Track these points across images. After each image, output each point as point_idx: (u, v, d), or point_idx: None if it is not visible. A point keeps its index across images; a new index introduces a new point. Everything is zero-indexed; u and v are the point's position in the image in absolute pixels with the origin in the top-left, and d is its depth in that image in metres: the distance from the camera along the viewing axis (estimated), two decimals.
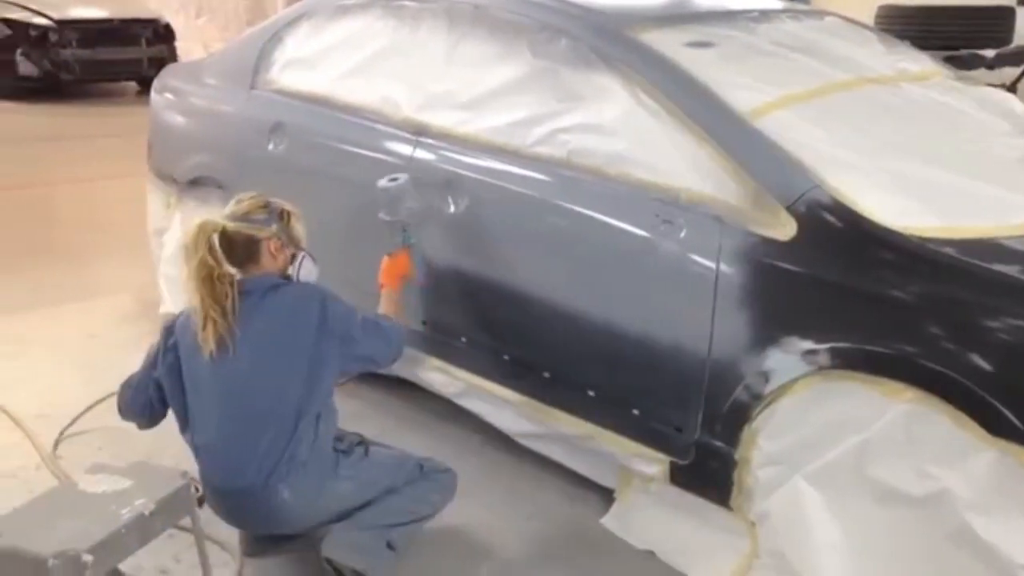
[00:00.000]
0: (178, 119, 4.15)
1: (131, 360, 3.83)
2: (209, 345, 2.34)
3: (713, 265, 2.43)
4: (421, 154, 3.13)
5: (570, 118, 2.84)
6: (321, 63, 3.61)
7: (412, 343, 3.02)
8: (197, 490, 2.75)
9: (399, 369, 3.14)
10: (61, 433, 3.23)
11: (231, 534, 2.55)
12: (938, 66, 3.42)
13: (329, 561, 2.37)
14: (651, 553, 2.67)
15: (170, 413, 2.51)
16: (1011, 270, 2.10)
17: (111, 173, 6.91)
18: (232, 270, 2.40)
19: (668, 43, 2.83)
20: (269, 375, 2.36)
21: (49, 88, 10.72)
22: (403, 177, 2.88)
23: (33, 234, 5.72)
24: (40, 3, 10.69)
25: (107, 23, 10.98)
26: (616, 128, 2.74)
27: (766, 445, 2.36)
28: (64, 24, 10.62)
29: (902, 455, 2.12)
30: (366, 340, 2.51)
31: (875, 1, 7.11)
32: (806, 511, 2.27)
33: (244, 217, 2.45)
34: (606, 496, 2.85)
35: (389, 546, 2.42)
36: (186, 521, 2.21)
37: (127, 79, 11.44)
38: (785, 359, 2.30)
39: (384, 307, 2.78)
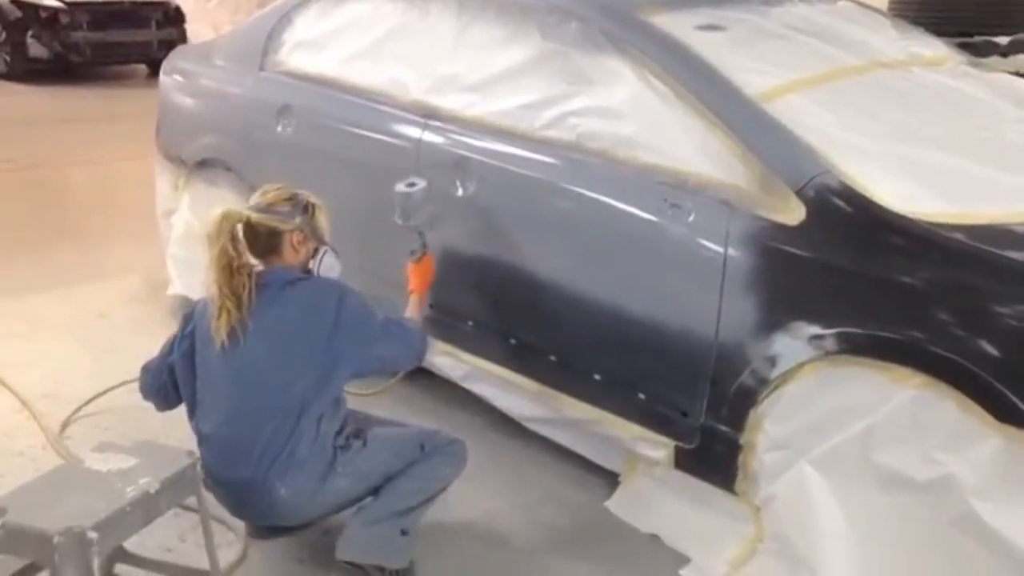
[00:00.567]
0: (187, 101, 4.16)
1: (139, 340, 3.87)
2: (221, 335, 2.33)
3: (721, 249, 2.42)
4: (429, 137, 3.12)
5: (579, 101, 2.83)
6: (330, 45, 3.60)
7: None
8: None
9: None
10: (69, 417, 3.23)
11: None
12: (951, 51, 3.39)
13: (348, 563, 2.39)
14: (656, 537, 2.67)
15: None
16: (1021, 256, 2.08)
17: (121, 155, 6.93)
18: (253, 261, 2.39)
19: (678, 26, 2.81)
20: (278, 370, 2.34)
21: (59, 70, 10.74)
22: (421, 182, 2.83)
23: (43, 215, 5.74)
24: None
25: (118, 5, 11.00)
26: (625, 111, 2.73)
27: (772, 430, 2.36)
28: (75, 6, 10.63)
29: (908, 441, 2.11)
30: (385, 341, 2.48)
31: None
32: (811, 496, 2.26)
33: (268, 208, 2.42)
34: (612, 480, 2.85)
35: (403, 532, 2.41)
36: (192, 501, 2.21)
37: (137, 62, 11.45)
38: (792, 344, 2.29)
39: (411, 311, 2.75)
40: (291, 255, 2.45)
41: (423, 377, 3.32)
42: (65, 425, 3.20)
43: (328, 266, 2.50)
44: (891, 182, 2.31)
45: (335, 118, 3.44)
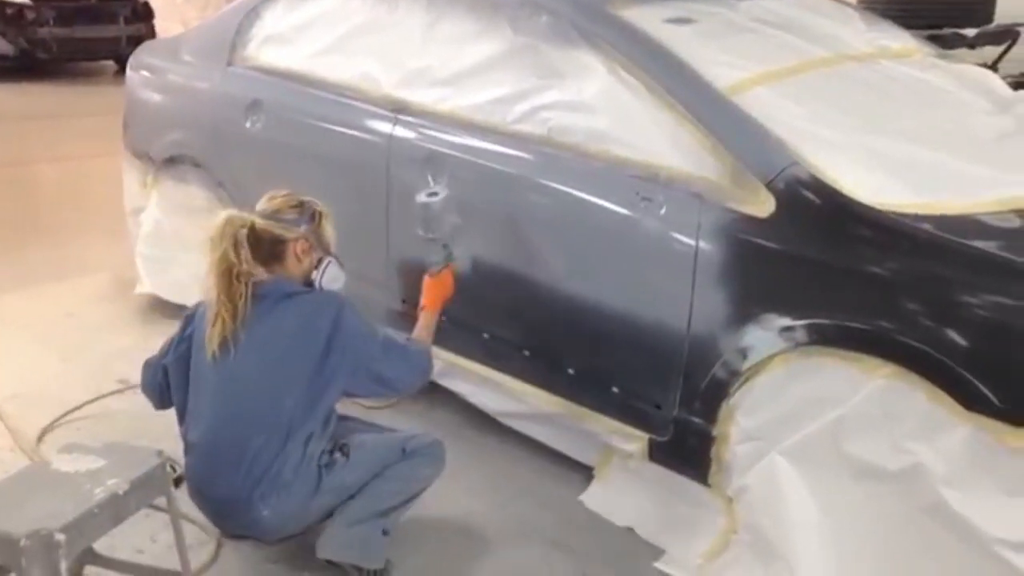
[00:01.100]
0: (154, 97, 4.11)
1: (107, 339, 3.85)
2: (213, 344, 2.29)
3: (693, 242, 2.43)
4: (400, 132, 3.10)
5: (550, 95, 2.83)
6: (299, 39, 3.57)
7: (390, 323, 3.01)
8: (173, 470, 2.74)
9: None
10: (44, 430, 3.15)
11: None
12: (919, 44, 3.41)
13: (327, 560, 2.37)
14: (631, 530, 2.68)
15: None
16: (988, 246, 2.10)
17: (88, 152, 6.85)
18: (257, 269, 2.33)
19: (648, 19, 2.82)
20: (266, 386, 2.29)
21: (25, 67, 10.60)
22: (443, 191, 2.70)
23: (10, 213, 5.66)
24: None
25: (85, 1, 10.86)
26: (596, 105, 2.73)
27: (744, 421, 2.37)
28: (41, 2, 10.50)
29: (878, 430, 2.12)
30: (385, 361, 2.40)
31: None
32: (783, 486, 2.27)
33: (273, 215, 2.38)
34: (587, 474, 2.85)
35: (384, 532, 2.39)
36: (162, 501, 2.19)
37: (105, 58, 11.33)
38: (763, 336, 2.30)
39: (420, 330, 2.63)
40: (294, 264, 2.40)
41: None
42: (42, 436, 3.11)
43: (332, 277, 2.44)
44: (860, 174, 2.32)
45: (305, 113, 3.41)
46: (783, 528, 2.28)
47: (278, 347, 2.31)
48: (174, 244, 4.02)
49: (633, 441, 2.63)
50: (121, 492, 2.01)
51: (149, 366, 2.55)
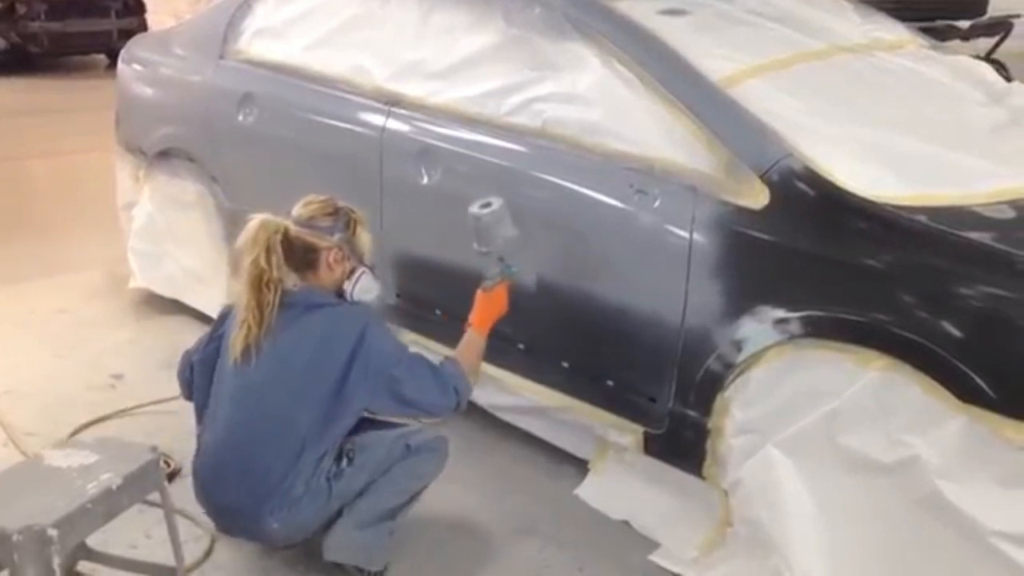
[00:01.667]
0: (146, 90, 4.08)
1: (100, 335, 3.84)
2: (236, 351, 2.26)
3: (687, 235, 2.42)
4: (393, 124, 3.09)
5: (544, 87, 2.82)
6: (291, 32, 3.55)
7: (386, 317, 3.00)
8: (168, 465, 2.75)
9: None
10: (78, 429, 3.10)
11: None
12: (913, 36, 3.41)
13: (335, 564, 2.36)
14: (626, 523, 2.68)
15: None
16: (982, 237, 2.10)
17: (81, 147, 6.81)
18: (289, 276, 2.30)
19: (642, 11, 2.81)
20: (284, 399, 2.25)
21: (17, 61, 10.54)
22: (497, 202, 2.51)
23: (1, 209, 5.63)
24: None
25: None
26: (590, 97, 2.72)
27: (739, 414, 2.37)
28: None
29: (873, 422, 2.12)
30: (412, 383, 2.30)
31: None
32: (778, 479, 2.27)
33: (308, 222, 2.33)
34: (582, 468, 2.85)
35: (390, 533, 2.38)
36: (156, 496, 2.18)
37: (97, 52, 11.26)
38: (757, 328, 2.29)
39: (463, 350, 2.49)
40: (327, 273, 2.36)
41: None
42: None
43: (364, 288, 2.39)
44: (854, 165, 2.32)
45: (297, 107, 3.40)
46: (778, 521, 2.28)
47: (299, 359, 2.26)
48: (167, 239, 4.01)
49: (628, 434, 2.63)
50: (114, 487, 2.00)
51: (184, 357, 2.53)
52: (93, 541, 2.29)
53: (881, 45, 3.13)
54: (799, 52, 2.84)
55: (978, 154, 2.49)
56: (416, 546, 2.53)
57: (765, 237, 2.30)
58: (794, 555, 2.24)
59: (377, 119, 3.12)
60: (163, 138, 3.89)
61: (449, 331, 2.96)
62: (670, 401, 2.51)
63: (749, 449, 2.35)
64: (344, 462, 2.30)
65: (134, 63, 4.18)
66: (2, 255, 4.72)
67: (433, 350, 3.06)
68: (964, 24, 6.35)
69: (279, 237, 2.28)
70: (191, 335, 3.80)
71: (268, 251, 2.25)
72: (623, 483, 2.74)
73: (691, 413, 2.46)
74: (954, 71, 3.10)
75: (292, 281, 2.33)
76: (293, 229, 2.32)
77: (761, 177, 2.34)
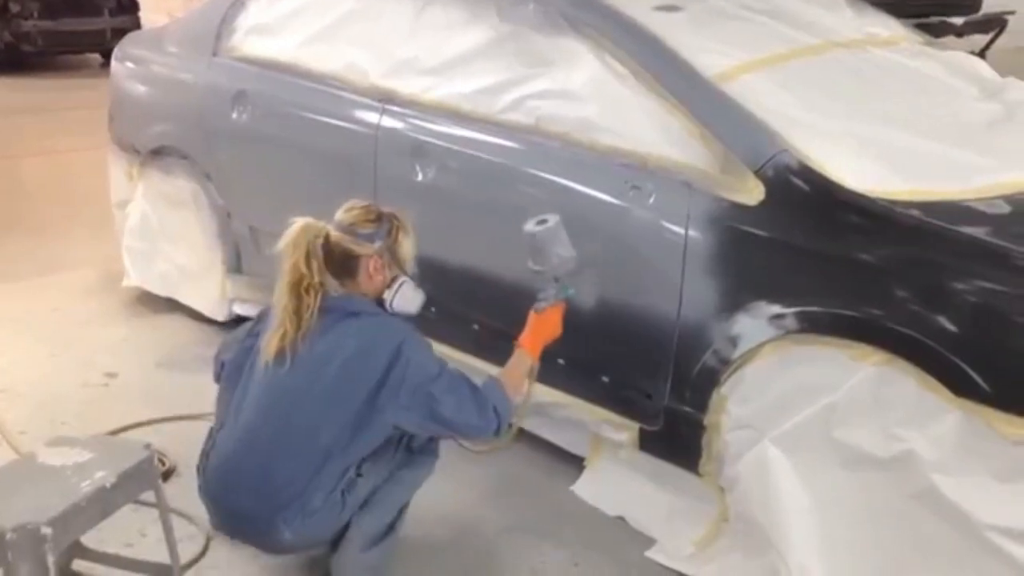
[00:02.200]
0: (139, 88, 4.07)
1: (94, 333, 3.83)
2: (269, 352, 2.20)
3: (682, 230, 2.42)
4: (388, 122, 3.08)
5: (538, 84, 2.81)
6: (285, 29, 3.54)
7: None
8: (162, 464, 2.74)
9: None
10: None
11: (199, 506, 2.50)
12: (907, 31, 3.41)
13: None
14: (622, 519, 2.68)
15: None
16: (976, 232, 2.10)
17: (74, 146, 6.80)
18: (329, 281, 2.24)
19: (636, 7, 2.80)
20: (311, 409, 2.18)
21: (10, 60, 10.51)
22: (553, 219, 2.39)
23: None
24: None
25: None
26: (585, 94, 2.71)
27: (735, 410, 2.36)
28: None
29: (869, 417, 2.12)
30: (450, 402, 2.20)
31: None
32: (774, 475, 2.27)
33: (349, 228, 2.26)
34: (577, 465, 2.85)
35: (391, 547, 2.34)
36: (150, 495, 2.17)
37: (90, 51, 11.24)
38: (753, 324, 2.29)
39: (509, 371, 2.39)
40: (367, 281, 2.29)
41: None
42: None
43: (406, 299, 2.32)
44: (849, 161, 2.32)
45: (291, 104, 3.39)
46: (774, 516, 2.28)
47: (331, 368, 2.19)
48: (160, 237, 4.00)
49: (624, 431, 2.62)
50: (108, 485, 1.99)
51: (218, 353, 2.47)
52: (88, 540, 2.29)
53: (876, 41, 3.14)
54: (794, 48, 2.84)
55: (973, 149, 2.49)
56: (412, 543, 2.53)
57: (760, 233, 2.30)
58: (790, 550, 2.24)
59: (371, 116, 3.12)
60: (156, 136, 3.88)
61: (443, 327, 2.97)
62: (666, 397, 2.50)
63: (745, 445, 2.35)
64: (354, 472, 2.24)
65: (127, 61, 4.16)
66: None
67: None
68: (958, 21, 6.35)
69: (320, 242, 2.22)
70: (185, 333, 3.84)
71: (308, 256, 2.19)
72: (619, 480, 2.74)
73: (687, 409, 2.46)
74: (949, 66, 3.10)
75: (333, 287, 2.26)
76: (334, 235, 2.25)
77: (756, 173, 2.34)
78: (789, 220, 2.28)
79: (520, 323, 2.79)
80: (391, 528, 2.34)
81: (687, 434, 2.47)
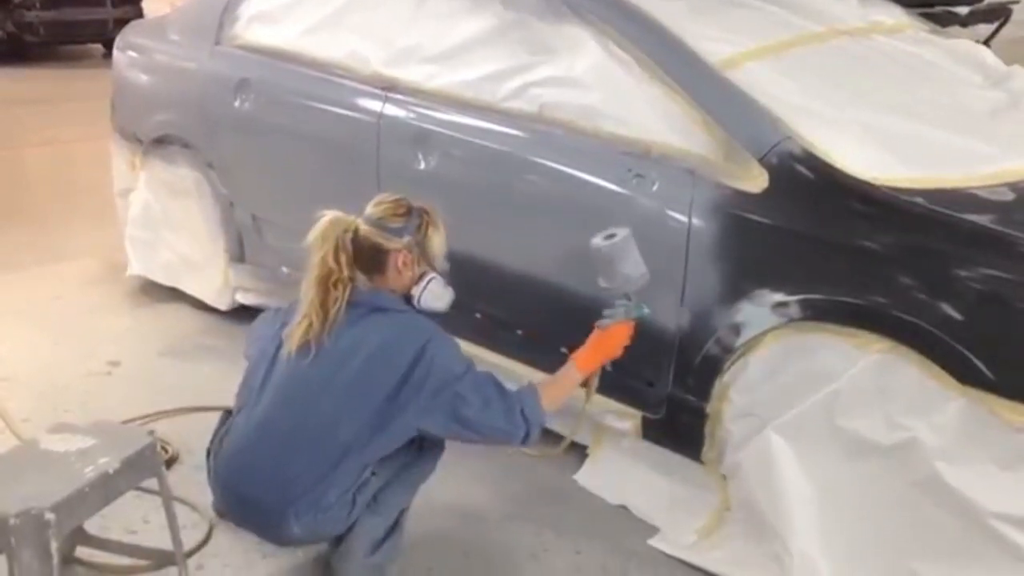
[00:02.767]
0: (142, 77, 4.06)
1: (97, 322, 3.83)
2: (292, 343, 2.18)
3: (685, 218, 2.41)
4: (390, 110, 3.07)
5: (541, 71, 2.80)
6: (287, 17, 3.53)
7: None
8: (165, 451, 2.74)
9: None
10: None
11: (201, 494, 2.52)
12: (911, 19, 3.39)
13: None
14: (624, 508, 2.68)
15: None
16: (981, 219, 2.09)
17: (77, 136, 6.79)
18: (358, 275, 2.22)
19: None
20: (331, 404, 2.15)
21: (12, 51, 10.50)
22: (622, 232, 2.30)
23: None
24: None
25: None
26: (588, 81, 2.70)
27: (737, 398, 2.36)
28: None
29: (872, 405, 2.12)
30: (475, 403, 2.15)
31: None
32: (777, 463, 2.27)
33: (378, 222, 2.24)
34: (580, 453, 2.85)
35: (396, 546, 2.32)
36: (153, 482, 2.17)
37: (93, 41, 11.24)
38: (756, 312, 2.29)
39: (552, 381, 2.33)
40: (395, 276, 2.26)
41: None
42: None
43: (434, 295, 2.29)
44: (853, 148, 2.31)
45: (293, 92, 3.38)
46: (777, 505, 2.28)
47: (354, 362, 2.16)
48: (163, 226, 4.00)
49: (626, 419, 2.62)
50: (111, 471, 1.99)
51: (246, 348, 2.44)
52: (91, 526, 2.29)
53: (880, 28, 3.13)
54: (798, 35, 2.83)
55: (978, 137, 2.49)
56: (414, 531, 2.53)
57: (764, 220, 2.30)
58: (793, 538, 2.24)
59: (374, 104, 3.11)
60: (159, 125, 3.87)
61: (448, 316, 2.96)
62: (668, 386, 2.50)
63: (748, 433, 2.35)
64: (369, 472, 2.22)
65: (129, 50, 4.15)
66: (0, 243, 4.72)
67: None
68: (963, 10, 6.32)
69: (349, 236, 2.20)
70: (188, 322, 3.84)
71: (337, 249, 2.17)
72: (621, 468, 2.74)
73: (689, 398, 2.45)
74: (953, 54, 3.09)
75: (361, 282, 2.24)
76: (363, 228, 2.23)
77: (760, 160, 2.33)
78: (793, 208, 2.27)
79: (521, 312, 2.80)
80: (395, 527, 2.32)
81: (690, 422, 2.47)
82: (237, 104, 3.51)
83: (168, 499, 2.19)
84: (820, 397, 2.20)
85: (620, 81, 2.64)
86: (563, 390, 2.34)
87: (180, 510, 2.39)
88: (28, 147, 6.92)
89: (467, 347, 2.93)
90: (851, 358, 2.15)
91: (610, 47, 2.68)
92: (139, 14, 10.89)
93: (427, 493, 2.51)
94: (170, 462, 2.76)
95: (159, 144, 3.89)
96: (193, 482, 2.59)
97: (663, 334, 2.48)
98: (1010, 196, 2.22)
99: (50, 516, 1.83)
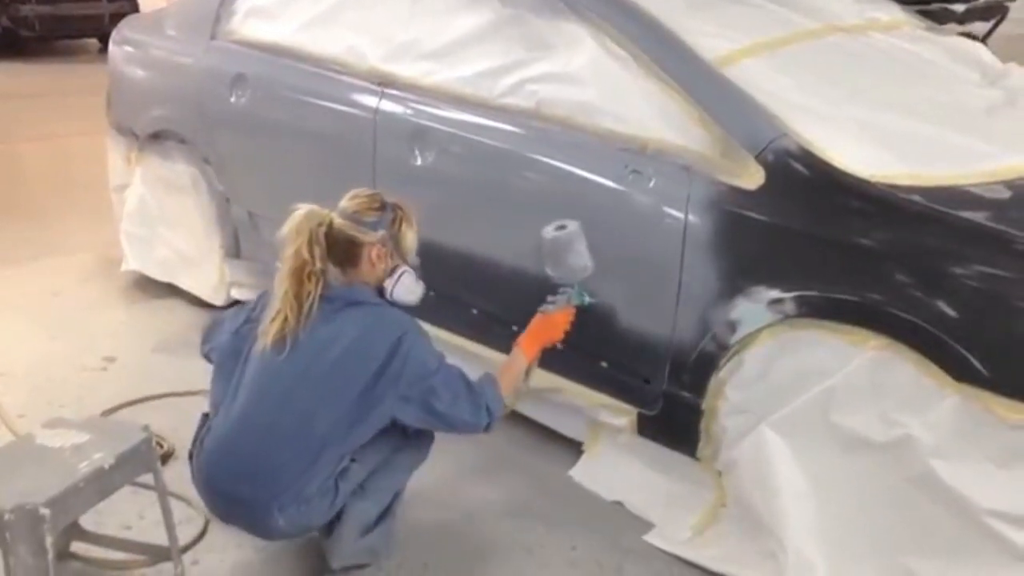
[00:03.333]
0: (138, 72, 4.06)
1: (93, 318, 3.83)
2: (267, 339, 2.18)
3: (681, 215, 2.41)
4: (387, 106, 3.07)
5: (538, 67, 2.80)
6: (284, 12, 3.53)
7: None
8: (160, 446, 2.74)
9: None
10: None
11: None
12: (908, 16, 3.39)
13: (343, 568, 2.32)
14: (620, 504, 2.68)
15: None
16: (977, 216, 2.09)
17: (73, 131, 6.79)
18: (331, 269, 2.23)
19: None
20: (308, 393, 2.17)
21: (8, 45, 10.49)
22: (572, 225, 2.40)
23: None
24: None
25: None
26: (585, 77, 2.70)
27: (733, 395, 2.36)
28: None
29: (867, 402, 2.12)
30: (446, 396, 2.21)
31: None
32: (772, 459, 2.27)
33: (353, 216, 2.25)
34: (576, 450, 2.85)
35: (390, 529, 2.35)
36: (148, 478, 2.17)
37: (88, 36, 11.21)
38: (752, 308, 2.29)
39: (505, 369, 2.41)
40: (368, 269, 2.28)
41: None
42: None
43: (406, 289, 2.31)
44: (849, 145, 2.31)
45: (290, 87, 3.38)
46: (772, 501, 2.28)
47: (330, 356, 2.18)
48: (159, 221, 3.99)
49: (622, 415, 2.62)
50: (106, 466, 1.99)
51: (206, 334, 2.46)
52: (86, 522, 2.29)
53: (877, 25, 3.13)
54: (795, 32, 2.83)
55: (974, 134, 2.49)
56: (408, 527, 2.53)
57: (760, 217, 2.30)
58: (788, 535, 2.24)
59: (370, 100, 3.11)
60: (155, 120, 3.86)
61: (440, 311, 2.97)
62: (664, 382, 2.50)
63: (743, 429, 2.35)
64: (348, 459, 2.24)
65: (125, 44, 4.15)
66: None
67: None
68: (959, 7, 6.32)
69: (323, 229, 2.20)
70: (184, 318, 3.84)
71: (311, 242, 2.18)
72: (617, 464, 2.74)
73: (685, 394, 2.46)
74: (950, 52, 3.09)
75: (334, 275, 2.25)
76: (337, 221, 2.23)
77: (756, 157, 2.33)
78: (789, 204, 2.27)
79: (517, 308, 2.79)
80: (387, 512, 2.35)
81: (685, 419, 2.47)
82: (233, 99, 3.50)
83: (163, 494, 2.19)
84: (815, 394, 2.21)
85: (617, 77, 2.64)
86: (516, 376, 2.43)
87: (175, 505, 2.38)
88: (24, 142, 6.91)
89: (463, 343, 2.95)
90: (846, 355, 2.15)
91: (607, 43, 2.68)
92: (135, 9, 10.89)
93: (423, 488, 2.52)
94: (166, 457, 2.76)
95: (155, 139, 3.89)
96: (188, 477, 2.58)
97: (659, 330, 2.48)
98: (1006, 194, 2.23)
99: (45, 511, 1.83)
